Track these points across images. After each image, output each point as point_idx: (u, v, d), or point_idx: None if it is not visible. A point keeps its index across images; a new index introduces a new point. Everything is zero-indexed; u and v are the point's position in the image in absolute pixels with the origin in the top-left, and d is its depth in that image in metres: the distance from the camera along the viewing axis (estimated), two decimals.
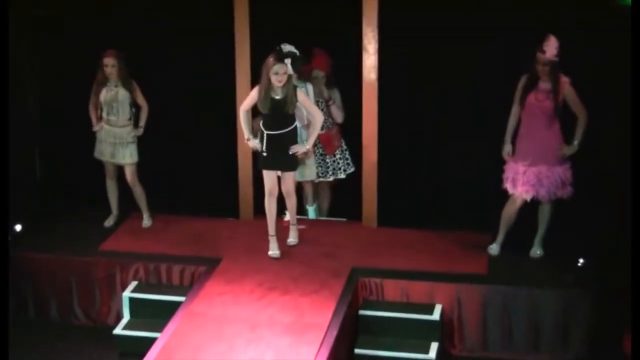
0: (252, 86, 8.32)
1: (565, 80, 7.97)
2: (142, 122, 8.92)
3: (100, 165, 9.03)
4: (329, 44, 8.82)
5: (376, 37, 8.54)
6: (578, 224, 8.49)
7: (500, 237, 8.45)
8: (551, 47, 7.85)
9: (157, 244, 8.75)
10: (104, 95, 8.75)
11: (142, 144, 8.97)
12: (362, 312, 7.88)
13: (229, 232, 8.97)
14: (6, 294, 6.84)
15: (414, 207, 9.19)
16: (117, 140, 8.84)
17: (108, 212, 9.19)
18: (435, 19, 8.80)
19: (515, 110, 8.19)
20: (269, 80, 7.92)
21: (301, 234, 8.73)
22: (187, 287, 8.13)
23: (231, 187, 9.11)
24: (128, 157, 8.88)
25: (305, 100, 8.17)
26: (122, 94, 8.75)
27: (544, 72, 7.93)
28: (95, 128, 8.86)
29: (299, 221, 8.81)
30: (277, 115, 8.04)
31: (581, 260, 8.11)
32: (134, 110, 8.85)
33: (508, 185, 8.23)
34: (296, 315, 7.42)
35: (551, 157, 8.09)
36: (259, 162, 8.24)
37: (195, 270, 8.27)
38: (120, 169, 9.00)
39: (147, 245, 8.73)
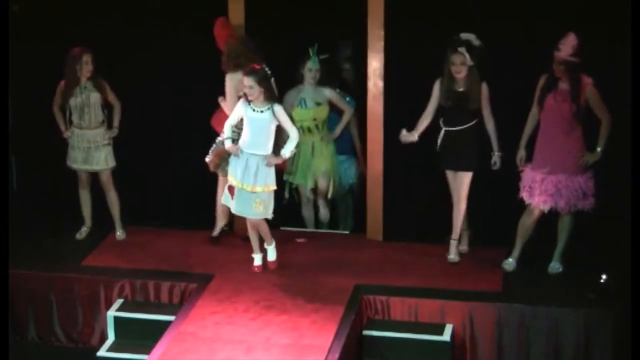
0: None
1: (587, 81, 7.81)
2: (117, 122, 8.81)
3: (75, 174, 8.93)
4: (330, 41, 8.93)
5: (382, 38, 8.43)
6: (600, 237, 8.30)
7: (516, 251, 8.28)
8: (567, 46, 7.71)
9: (144, 259, 8.60)
10: (75, 99, 8.65)
11: (127, 149, 8.92)
12: (366, 332, 7.73)
13: (222, 246, 8.81)
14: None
15: (422, 219, 8.95)
16: (91, 144, 8.73)
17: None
18: (445, 15, 8.64)
19: (533, 112, 8.05)
20: (449, 71, 7.99)
21: (301, 249, 8.68)
22: (177, 306, 7.99)
23: None
24: (103, 161, 8.77)
25: None
26: (94, 96, 8.66)
27: (560, 71, 7.79)
28: (67, 134, 8.78)
29: (300, 234, 8.88)
30: (457, 110, 8.03)
31: (604, 276, 7.84)
32: (106, 112, 8.75)
33: (524, 195, 8.07)
34: (295, 336, 7.26)
35: (571, 165, 7.91)
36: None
37: (186, 288, 8.11)
38: (94, 177, 8.90)
39: (133, 260, 8.58)
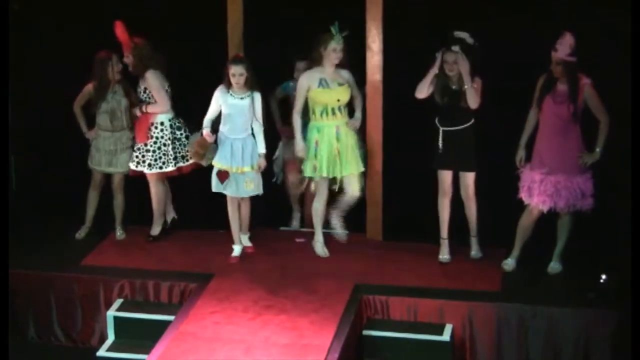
0: None
1: (586, 82, 7.77)
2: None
3: (80, 174, 8.91)
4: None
5: (381, 35, 8.38)
6: (600, 237, 8.25)
7: (515, 251, 8.25)
8: (564, 46, 7.66)
9: (144, 258, 8.59)
10: (107, 104, 8.66)
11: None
12: (366, 332, 7.71)
13: (221, 246, 8.74)
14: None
15: (422, 218, 8.83)
16: (117, 146, 8.76)
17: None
18: (444, 14, 8.60)
19: (532, 113, 8.02)
20: (443, 69, 7.96)
21: (301, 249, 8.65)
22: (177, 306, 7.98)
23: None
24: (127, 163, 8.78)
25: None
26: (125, 100, 8.71)
27: (558, 72, 7.75)
28: (90, 135, 8.80)
29: (299, 234, 8.80)
30: (453, 109, 8.00)
31: (603, 276, 7.82)
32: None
33: (523, 195, 8.04)
34: (294, 336, 7.24)
35: (570, 166, 7.87)
36: (434, 161, 8.18)
37: (185, 288, 8.10)
38: (107, 180, 8.92)
39: (133, 260, 8.56)
